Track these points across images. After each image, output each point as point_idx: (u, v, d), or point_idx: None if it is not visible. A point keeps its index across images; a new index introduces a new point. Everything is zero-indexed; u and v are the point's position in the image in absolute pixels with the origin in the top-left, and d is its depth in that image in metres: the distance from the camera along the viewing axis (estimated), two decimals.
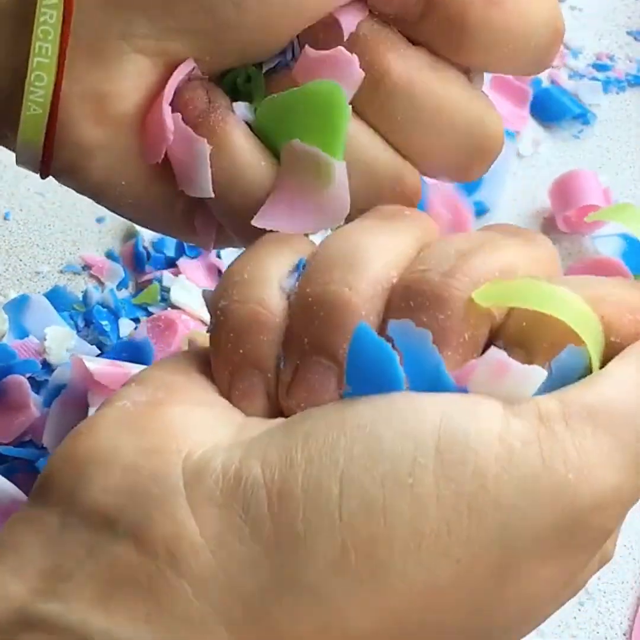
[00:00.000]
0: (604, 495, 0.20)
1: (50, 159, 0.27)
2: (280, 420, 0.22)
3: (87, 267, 0.47)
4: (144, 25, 0.25)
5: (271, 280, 0.23)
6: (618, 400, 0.20)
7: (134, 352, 0.41)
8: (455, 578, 0.20)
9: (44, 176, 0.29)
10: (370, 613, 0.19)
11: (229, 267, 0.25)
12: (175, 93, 0.27)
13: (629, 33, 0.57)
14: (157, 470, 0.20)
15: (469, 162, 0.28)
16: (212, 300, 0.24)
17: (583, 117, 0.54)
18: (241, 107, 0.27)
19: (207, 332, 0.24)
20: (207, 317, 0.45)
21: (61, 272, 0.47)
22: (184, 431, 0.21)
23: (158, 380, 0.23)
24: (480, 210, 0.50)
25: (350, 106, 0.26)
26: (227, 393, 0.23)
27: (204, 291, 0.27)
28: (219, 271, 0.46)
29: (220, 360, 0.23)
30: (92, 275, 0.47)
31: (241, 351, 0.23)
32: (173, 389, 0.23)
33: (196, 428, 0.21)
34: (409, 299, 0.22)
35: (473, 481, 0.19)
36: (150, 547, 0.19)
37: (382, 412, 0.20)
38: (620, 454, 0.20)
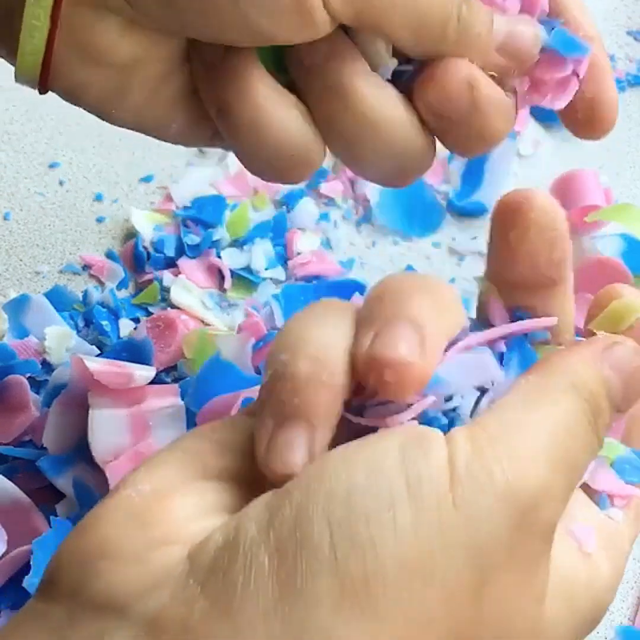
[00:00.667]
0: (537, 492, 0.22)
1: (48, 68, 0.28)
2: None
3: (87, 267, 0.47)
4: None
5: (333, 340, 0.24)
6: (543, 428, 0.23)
7: (134, 352, 0.41)
8: (444, 607, 0.20)
9: (42, 90, 0.29)
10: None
11: (288, 323, 0.25)
12: None
13: (629, 33, 0.57)
14: (164, 561, 0.21)
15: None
16: (270, 352, 0.25)
17: None
18: None
19: (262, 384, 0.25)
20: (206, 316, 0.45)
21: (61, 272, 0.47)
22: (186, 521, 0.22)
23: (165, 471, 0.24)
24: (480, 210, 0.50)
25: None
26: (265, 445, 0.23)
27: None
28: (219, 271, 0.46)
29: (269, 410, 0.23)
30: (92, 275, 0.47)
31: (296, 401, 0.23)
32: (176, 482, 0.23)
33: (197, 516, 0.22)
34: None
35: (439, 508, 0.21)
36: (163, 629, 0.20)
37: (352, 457, 0.22)
38: (544, 455, 0.22)
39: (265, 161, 0.29)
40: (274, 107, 0.28)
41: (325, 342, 0.24)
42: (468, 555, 0.21)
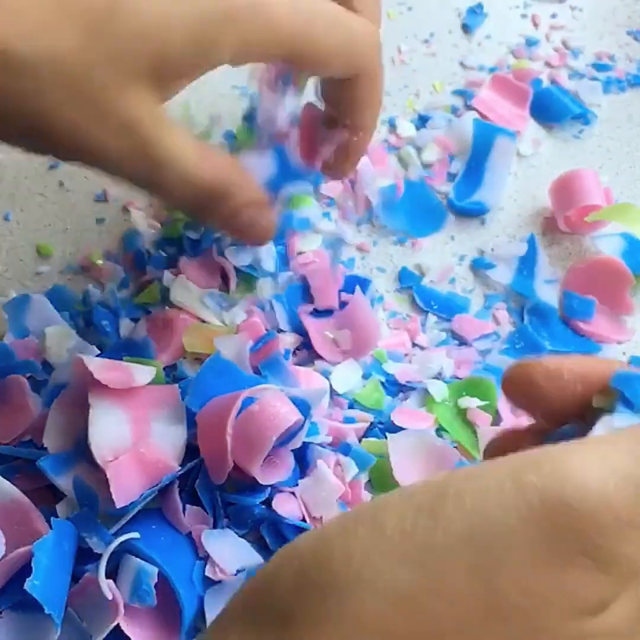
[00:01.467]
0: (581, 496, 0.19)
1: None
2: None
3: (87, 267, 0.47)
4: None
5: None
6: None
7: (134, 351, 0.41)
8: (427, 585, 0.20)
9: None
10: (347, 622, 0.20)
11: None
12: None
13: (629, 33, 0.57)
14: None
15: None
16: None
17: (583, 117, 0.54)
18: None
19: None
20: (206, 316, 0.45)
21: (61, 272, 0.47)
22: None
23: None
24: (480, 210, 0.50)
25: None
26: None
27: None
28: (220, 270, 0.46)
29: None
30: (92, 275, 0.47)
31: None
32: None
33: None
34: None
35: (435, 490, 0.20)
36: None
37: None
38: (604, 469, 0.19)
39: None
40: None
41: None
42: (461, 540, 0.20)
